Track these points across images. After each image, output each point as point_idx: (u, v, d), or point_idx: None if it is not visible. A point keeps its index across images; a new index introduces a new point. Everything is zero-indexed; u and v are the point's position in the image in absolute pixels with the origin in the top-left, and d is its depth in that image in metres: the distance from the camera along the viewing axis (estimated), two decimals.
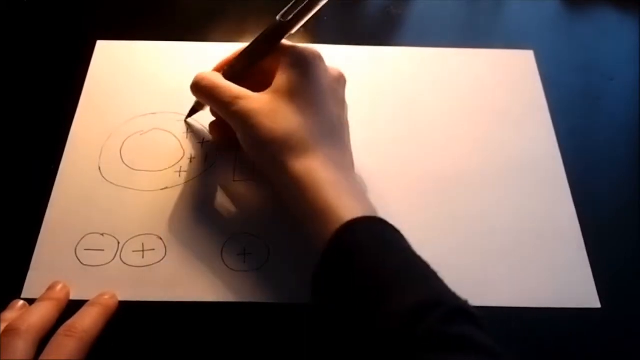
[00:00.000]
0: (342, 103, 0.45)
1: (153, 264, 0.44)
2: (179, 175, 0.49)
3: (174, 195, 0.48)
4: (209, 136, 0.51)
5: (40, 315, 0.40)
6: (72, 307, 0.41)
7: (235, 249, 0.45)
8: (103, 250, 0.45)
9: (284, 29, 0.44)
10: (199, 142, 0.51)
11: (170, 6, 0.62)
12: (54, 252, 0.45)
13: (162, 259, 0.45)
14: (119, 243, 0.45)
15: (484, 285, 0.44)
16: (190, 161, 0.50)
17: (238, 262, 0.45)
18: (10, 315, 0.40)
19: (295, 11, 0.43)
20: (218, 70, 0.47)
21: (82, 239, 0.45)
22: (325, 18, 0.63)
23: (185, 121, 0.52)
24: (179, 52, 0.57)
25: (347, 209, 0.38)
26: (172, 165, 0.49)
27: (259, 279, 0.44)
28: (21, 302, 0.41)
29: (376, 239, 0.37)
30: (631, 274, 0.46)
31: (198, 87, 0.45)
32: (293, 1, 0.43)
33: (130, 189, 0.48)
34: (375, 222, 0.38)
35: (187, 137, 0.51)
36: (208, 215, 0.47)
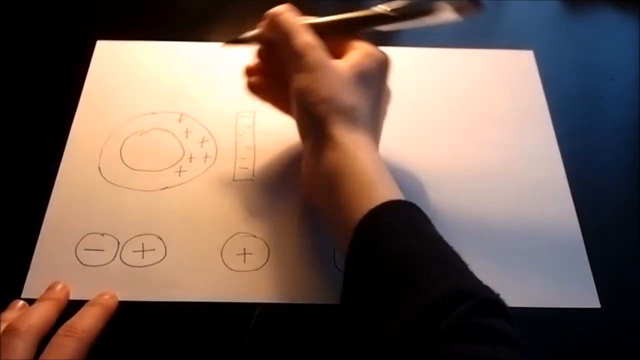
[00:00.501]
0: (388, 99, 0.46)
1: (153, 264, 0.44)
2: (179, 175, 0.49)
3: (174, 195, 0.48)
4: (209, 136, 0.51)
5: (40, 315, 0.40)
6: (72, 307, 0.41)
7: (235, 249, 0.45)
8: (103, 250, 0.45)
9: (384, 19, 0.44)
10: (199, 142, 0.51)
11: (170, 6, 0.62)
12: (54, 252, 0.45)
13: (162, 259, 0.45)
14: (119, 243, 0.45)
15: None
16: (190, 161, 0.50)
17: (238, 262, 0.45)
18: (10, 315, 0.40)
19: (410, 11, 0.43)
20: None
21: (82, 239, 0.45)
22: None
23: (228, 44, 0.47)
24: (179, 52, 0.57)
25: (386, 189, 0.38)
26: (172, 165, 0.49)
27: (259, 279, 0.44)
28: (21, 302, 0.41)
29: (413, 223, 0.38)
30: (631, 274, 0.46)
31: (277, 18, 0.43)
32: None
33: (130, 189, 0.48)
34: (401, 206, 0.38)
35: (187, 137, 0.51)
36: (208, 215, 0.47)
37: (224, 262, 0.44)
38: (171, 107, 0.53)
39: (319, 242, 0.45)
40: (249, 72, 0.47)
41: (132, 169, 0.49)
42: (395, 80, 0.56)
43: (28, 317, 0.39)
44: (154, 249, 0.45)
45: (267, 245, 0.45)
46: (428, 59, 0.58)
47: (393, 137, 0.52)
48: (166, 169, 0.49)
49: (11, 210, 0.47)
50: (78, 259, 0.44)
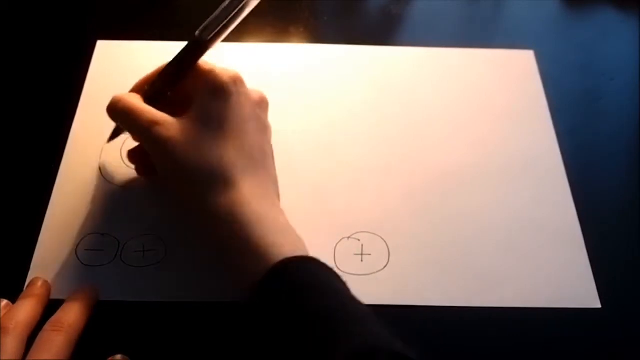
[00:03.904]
0: (264, 128, 0.43)
1: (153, 264, 0.44)
2: None
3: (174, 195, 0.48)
4: None
5: (26, 312, 0.40)
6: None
7: None
8: (103, 250, 0.45)
9: (203, 46, 0.42)
10: None
11: (170, 6, 0.62)
12: (54, 252, 0.45)
13: (163, 259, 0.45)
14: (119, 243, 0.45)
15: (483, 285, 0.44)
16: None
17: None
18: None
19: (216, 30, 0.42)
20: (138, 89, 0.45)
21: (82, 239, 0.45)
22: (325, 18, 0.63)
23: (108, 143, 0.48)
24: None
25: (275, 249, 0.37)
26: None
27: None
28: (5, 302, 0.41)
29: (305, 282, 0.36)
30: (631, 273, 0.46)
31: (114, 110, 0.43)
32: (211, 17, 0.42)
33: (130, 189, 0.48)
34: (304, 262, 0.37)
35: None
36: None
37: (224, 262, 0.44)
38: None
39: (321, 244, 0.45)
40: (130, 159, 0.47)
41: (133, 169, 0.49)
42: (395, 80, 0.56)
43: (14, 314, 0.39)
44: (154, 249, 0.45)
45: None
46: (428, 59, 0.58)
47: (392, 136, 0.52)
48: None
49: (11, 210, 0.47)
50: (78, 259, 0.44)
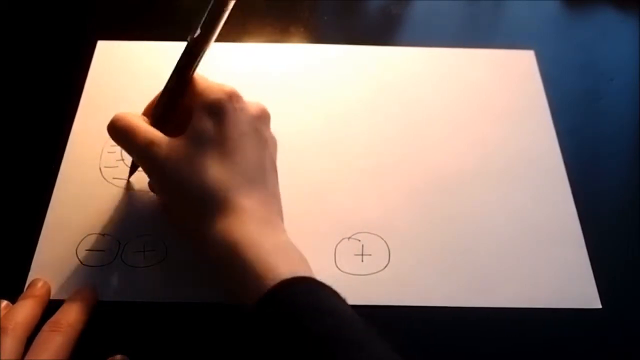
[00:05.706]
0: (264, 143, 0.41)
1: (154, 265, 0.44)
2: None
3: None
4: None
5: (25, 312, 0.40)
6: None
7: None
8: (104, 250, 0.45)
9: (193, 50, 0.41)
10: None
11: (171, 6, 0.62)
12: (54, 252, 0.45)
13: (163, 259, 0.45)
14: (119, 243, 0.45)
15: (483, 285, 0.44)
16: None
17: None
18: None
19: (199, 26, 0.40)
20: (147, 112, 0.44)
21: (82, 239, 0.45)
22: (325, 18, 0.63)
23: (129, 181, 0.48)
24: (179, 52, 0.56)
25: (271, 271, 0.35)
26: None
27: None
28: (5, 302, 0.41)
29: (301, 304, 0.34)
30: (632, 274, 0.46)
31: (114, 128, 0.42)
32: (201, 20, 0.40)
33: (131, 189, 0.48)
34: (301, 284, 0.35)
35: None
36: None
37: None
38: None
39: (321, 244, 0.45)
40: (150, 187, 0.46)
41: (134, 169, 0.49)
42: (395, 80, 0.56)
43: (13, 315, 0.39)
44: (154, 250, 0.45)
45: None
46: (428, 59, 0.58)
47: (392, 137, 0.52)
48: None
49: (12, 210, 0.47)
50: (79, 259, 0.44)
